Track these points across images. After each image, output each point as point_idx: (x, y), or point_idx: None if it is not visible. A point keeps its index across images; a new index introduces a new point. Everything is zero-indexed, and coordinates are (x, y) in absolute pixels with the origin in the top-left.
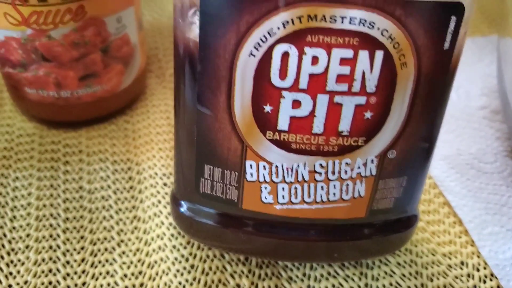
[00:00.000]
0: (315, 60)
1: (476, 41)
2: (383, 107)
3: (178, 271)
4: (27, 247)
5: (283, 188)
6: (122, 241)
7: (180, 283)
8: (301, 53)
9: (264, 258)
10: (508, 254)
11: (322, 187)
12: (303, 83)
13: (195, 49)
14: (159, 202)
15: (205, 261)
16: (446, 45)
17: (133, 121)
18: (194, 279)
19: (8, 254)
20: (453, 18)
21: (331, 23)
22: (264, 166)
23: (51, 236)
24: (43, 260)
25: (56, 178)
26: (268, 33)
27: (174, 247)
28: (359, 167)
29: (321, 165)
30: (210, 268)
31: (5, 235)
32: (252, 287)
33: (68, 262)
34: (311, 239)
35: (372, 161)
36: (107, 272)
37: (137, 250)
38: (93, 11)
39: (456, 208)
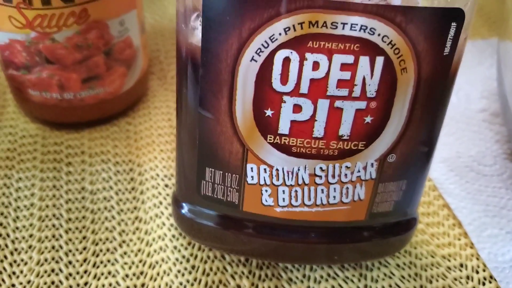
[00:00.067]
0: (316, 65)
1: (476, 44)
2: (383, 111)
3: (179, 271)
4: (30, 247)
5: (283, 191)
6: (124, 241)
7: (181, 283)
8: (302, 59)
9: (265, 260)
10: (507, 256)
11: (322, 190)
12: (304, 88)
13: (197, 54)
14: (161, 203)
15: (205, 262)
16: (446, 50)
17: (135, 122)
18: (195, 279)
19: (11, 254)
20: (453, 24)
21: (332, 29)
22: (265, 169)
23: (53, 236)
24: (46, 260)
25: (59, 179)
26: (270, 38)
27: (175, 248)
28: (359, 171)
29: (321, 168)
30: (211, 269)
31: (8, 235)
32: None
33: (70, 262)
34: (311, 241)
35: (372, 164)
36: (109, 272)
37: (139, 250)
38: (96, 14)
39: (455, 210)
